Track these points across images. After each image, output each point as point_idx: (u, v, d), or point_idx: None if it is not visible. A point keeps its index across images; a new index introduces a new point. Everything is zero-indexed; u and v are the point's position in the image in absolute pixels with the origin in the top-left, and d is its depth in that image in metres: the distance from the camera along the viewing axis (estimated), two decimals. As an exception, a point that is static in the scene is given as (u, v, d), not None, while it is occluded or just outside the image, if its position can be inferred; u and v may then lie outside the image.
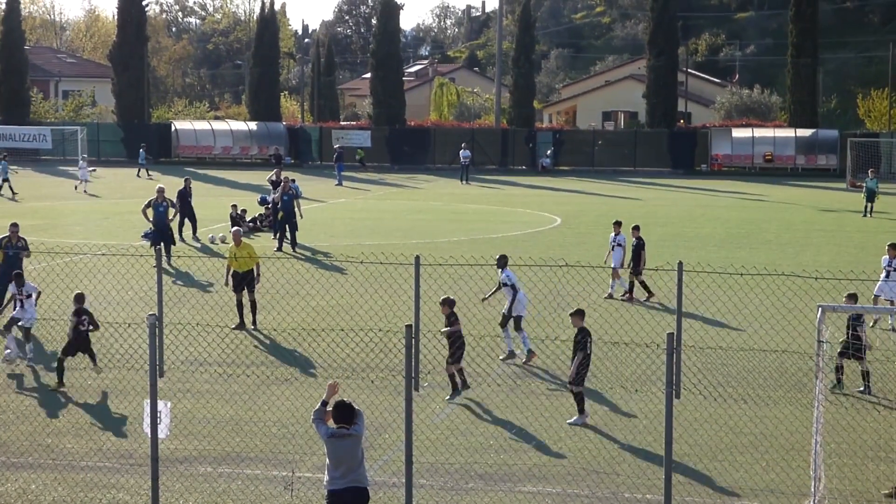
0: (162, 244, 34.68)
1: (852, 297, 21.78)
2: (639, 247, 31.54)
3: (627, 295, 31.10)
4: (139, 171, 79.13)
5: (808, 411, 17.75)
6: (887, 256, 27.61)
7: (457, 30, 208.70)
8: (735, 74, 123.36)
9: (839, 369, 21.74)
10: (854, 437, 18.63)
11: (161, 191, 37.21)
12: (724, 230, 48.78)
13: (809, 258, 38.95)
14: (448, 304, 21.15)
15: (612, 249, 31.88)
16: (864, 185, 57.13)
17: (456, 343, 20.97)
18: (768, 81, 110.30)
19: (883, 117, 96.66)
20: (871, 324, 26.83)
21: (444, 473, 17.13)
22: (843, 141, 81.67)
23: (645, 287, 31.02)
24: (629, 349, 19.68)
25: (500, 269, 24.42)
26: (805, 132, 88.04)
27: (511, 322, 23.99)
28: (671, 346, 14.01)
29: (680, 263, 21.23)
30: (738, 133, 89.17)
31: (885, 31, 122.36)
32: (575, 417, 19.43)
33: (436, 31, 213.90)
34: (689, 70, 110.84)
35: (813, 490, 15.46)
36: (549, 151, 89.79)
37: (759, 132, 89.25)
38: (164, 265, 31.41)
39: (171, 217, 37.19)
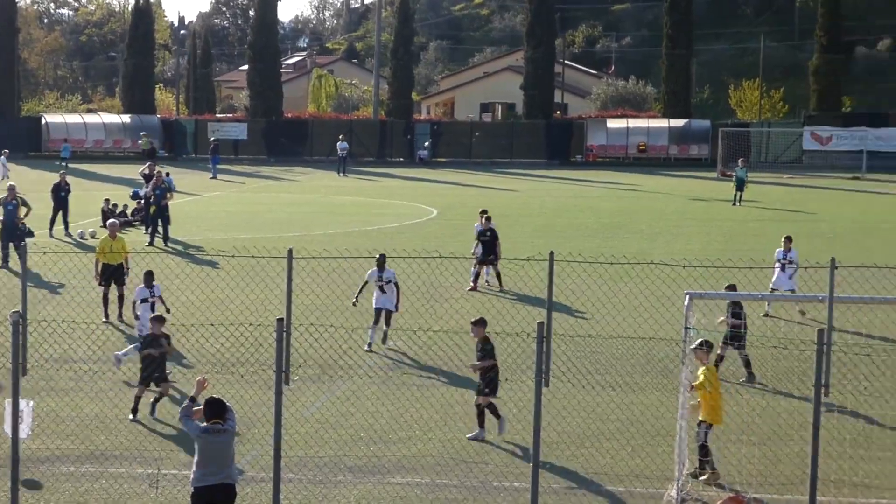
0: (11, 243, 33.94)
1: (731, 288, 22.17)
2: (493, 237, 32.07)
3: (472, 286, 31.55)
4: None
5: (674, 397, 18.04)
6: (781, 249, 28.17)
7: (336, 21, 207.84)
8: (611, 65, 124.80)
9: (720, 359, 22.19)
10: (728, 420, 18.95)
11: (12, 189, 36.29)
12: (597, 220, 49.32)
13: (680, 247, 39.55)
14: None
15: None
16: (734, 174, 58.23)
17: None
18: (643, 72, 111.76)
19: (754, 107, 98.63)
20: (763, 313, 27.42)
21: (314, 467, 17.07)
22: (715, 131, 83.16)
23: (499, 277, 31.49)
24: (499, 339, 19.75)
25: (378, 269, 24.62)
26: (678, 122, 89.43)
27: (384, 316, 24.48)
28: (541, 335, 14.15)
29: (551, 253, 21.43)
30: (612, 124, 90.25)
31: (758, 22, 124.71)
32: (477, 431, 18.69)
33: (314, 22, 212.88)
34: (567, 61, 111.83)
35: (677, 474, 15.73)
36: (426, 143, 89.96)
37: (634, 123, 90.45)
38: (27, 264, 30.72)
39: (21, 216, 36.10)
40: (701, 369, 16.69)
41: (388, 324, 24.66)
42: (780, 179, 72.58)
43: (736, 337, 21.86)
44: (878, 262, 26.55)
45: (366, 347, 24.14)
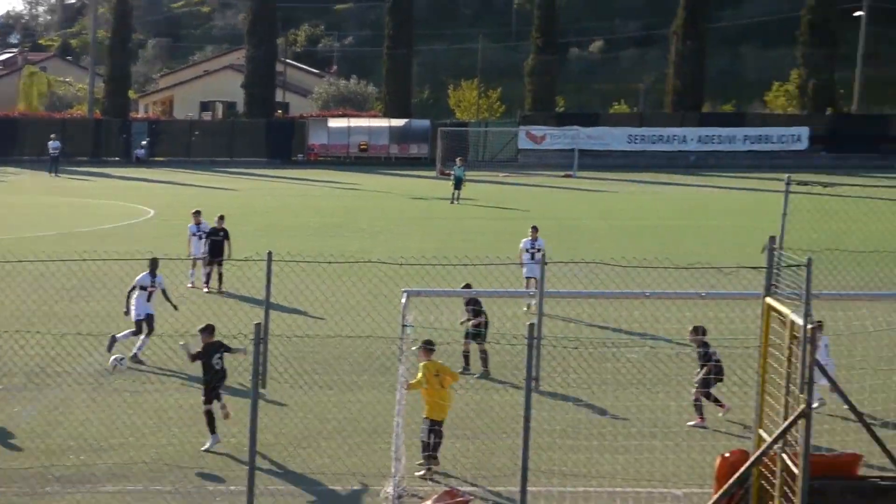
0: None
1: (468, 286, 22.92)
2: (225, 237, 31.78)
3: (206, 287, 31.18)
4: None
5: (392, 395, 18.14)
6: (528, 239, 29.14)
7: (49, 17, 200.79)
8: (333, 65, 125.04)
9: (466, 355, 22.49)
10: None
11: None
12: (319, 219, 49.30)
13: (400, 245, 39.87)
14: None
15: (200, 239, 31.94)
16: (453, 173, 59.23)
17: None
18: (365, 72, 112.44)
19: (472, 107, 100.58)
20: (526, 308, 27.92)
21: (20, 479, 16.39)
22: (435, 130, 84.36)
23: (220, 278, 31.28)
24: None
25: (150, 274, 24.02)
26: (399, 122, 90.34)
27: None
28: (258, 336, 13.98)
29: (269, 253, 21.20)
30: (334, 123, 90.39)
31: (477, 24, 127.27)
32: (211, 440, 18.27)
33: (27, 18, 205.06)
34: (288, 60, 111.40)
35: (394, 471, 15.82)
36: (143, 142, 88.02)
37: (355, 122, 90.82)
38: None
39: None
40: (420, 367, 16.87)
41: (151, 331, 23.71)
42: (496, 178, 74.26)
43: (476, 334, 22.25)
44: (586, 258, 27.41)
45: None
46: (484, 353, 22.70)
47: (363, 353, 23.60)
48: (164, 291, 24.11)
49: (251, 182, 71.16)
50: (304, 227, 46.10)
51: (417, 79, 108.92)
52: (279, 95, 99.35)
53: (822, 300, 16.78)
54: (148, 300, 23.68)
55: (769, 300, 14.39)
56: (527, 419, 13.94)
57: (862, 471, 14.58)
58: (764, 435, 14.21)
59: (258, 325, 14.14)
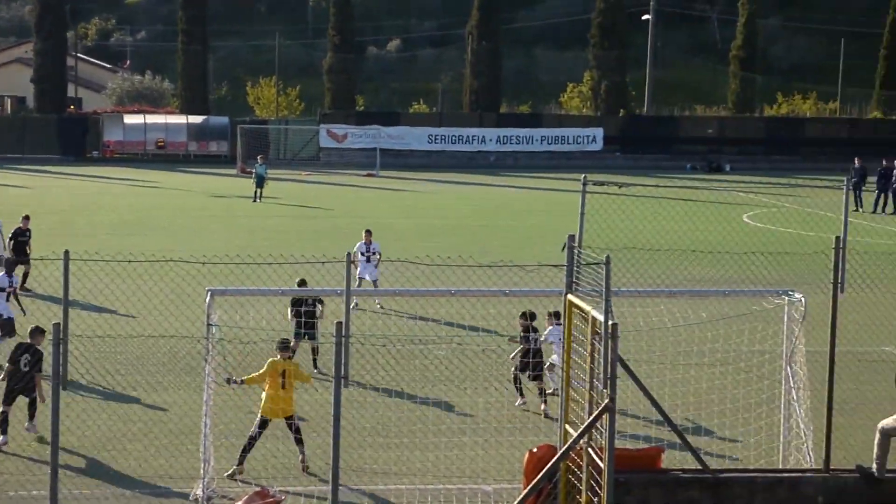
0: None
1: (302, 284, 23.41)
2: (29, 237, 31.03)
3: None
4: None
5: (199, 395, 17.92)
6: (363, 242, 29.83)
7: None
8: (127, 60, 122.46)
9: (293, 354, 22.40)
10: (241, 417, 19.06)
11: None
12: (117, 217, 48.30)
13: (202, 243, 39.36)
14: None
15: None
16: (254, 170, 58.77)
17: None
18: (160, 68, 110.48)
19: (271, 105, 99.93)
20: (354, 304, 27.86)
21: None
22: (234, 128, 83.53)
23: (24, 278, 30.44)
24: (14, 342, 18.94)
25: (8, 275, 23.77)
26: (197, 119, 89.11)
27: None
28: (57, 337, 13.66)
29: (66, 252, 20.65)
30: (130, 119, 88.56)
31: (272, 20, 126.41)
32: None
33: None
34: (79, 55, 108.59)
35: (203, 471, 15.64)
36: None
37: (152, 118, 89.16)
38: None
39: None
40: (267, 362, 17.06)
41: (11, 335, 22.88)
42: (298, 176, 73.95)
43: (310, 334, 22.47)
44: (391, 257, 27.60)
45: None
46: (315, 348, 22.75)
47: (168, 353, 23.26)
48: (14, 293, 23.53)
49: (44, 180, 69.16)
50: (102, 226, 45.09)
51: (214, 75, 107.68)
52: (71, 90, 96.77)
53: (621, 297, 17.25)
54: (7, 300, 23.10)
55: (571, 297, 14.72)
56: (336, 418, 13.96)
57: (664, 464, 15.07)
58: (570, 430, 14.54)
59: (56, 325, 13.80)
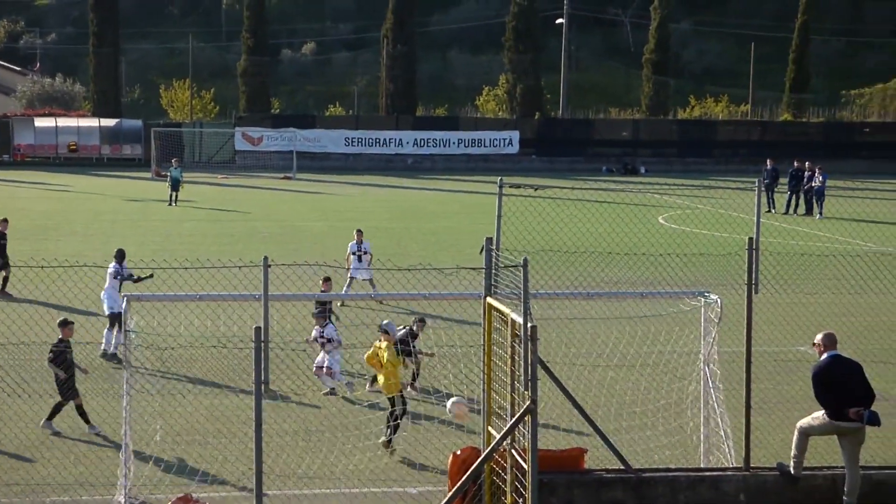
0: None
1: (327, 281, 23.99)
2: None
3: None
4: None
5: (118, 401, 17.75)
6: (354, 241, 30.52)
7: None
8: (37, 62, 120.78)
9: None
10: (161, 422, 18.91)
11: None
12: (29, 222, 47.58)
13: (116, 248, 38.89)
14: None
15: None
16: (169, 174, 58.28)
17: None
18: (71, 70, 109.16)
19: (185, 108, 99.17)
20: (340, 304, 28.18)
21: None
22: (148, 131, 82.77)
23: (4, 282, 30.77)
24: None
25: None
26: (109, 122, 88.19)
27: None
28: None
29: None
30: (41, 123, 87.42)
31: (185, 23, 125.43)
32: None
33: None
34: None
35: (123, 478, 15.47)
36: None
37: (63, 122, 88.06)
38: None
39: None
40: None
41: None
42: (214, 179, 73.44)
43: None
44: (309, 259, 27.54)
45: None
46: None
47: (85, 360, 22.93)
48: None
49: (-47, 183, 68.02)
50: (14, 231, 44.22)
51: (127, 78, 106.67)
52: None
53: (539, 299, 17.36)
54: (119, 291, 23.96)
55: (490, 300, 14.80)
56: (258, 423, 13.90)
57: (588, 464, 15.20)
58: (493, 431, 14.62)
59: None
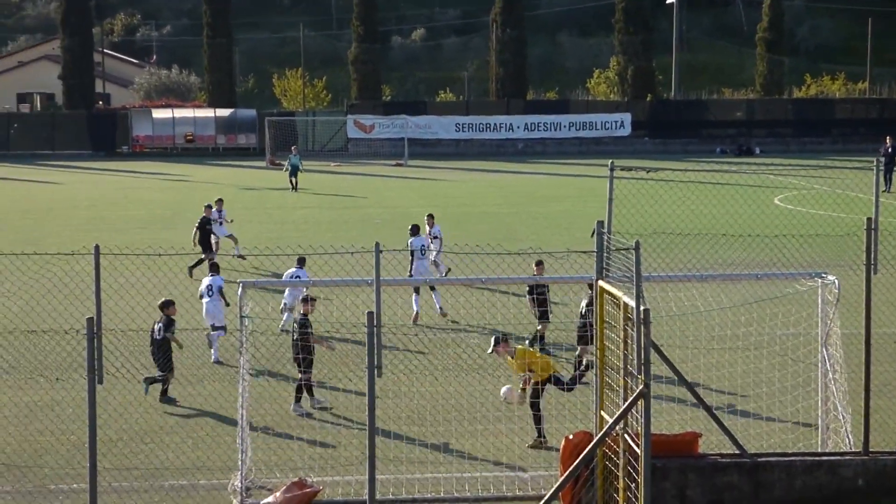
0: None
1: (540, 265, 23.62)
2: None
3: None
4: None
5: (234, 386, 17.99)
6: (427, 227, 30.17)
7: None
8: (153, 55, 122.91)
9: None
10: (277, 408, 19.14)
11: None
12: (148, 212, 48.50)
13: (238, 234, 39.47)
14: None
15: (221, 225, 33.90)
16: (289, 161, 59.02)
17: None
18: (186, 62, 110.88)
19: (298, 96, 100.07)
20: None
21: None
22: (262, 120, 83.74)
23: None
24: (47, 336, 19.05)
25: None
26: (224, 112, 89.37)
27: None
28: (91, 332, 13.69)
29: (96, 247, 20.73)
30: (158, 114, 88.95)
31: (295, 12, 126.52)
32: None
33: None
34: (106, 50, 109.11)
35: (240, 462, 15.70)
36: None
37: (180, 112, 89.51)
38: None
39: None
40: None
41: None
42: (327, 168, 74.07)
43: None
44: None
45: None
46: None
47: (203, 346, 23.33)
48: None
49: (75, 175, 69.55)
50: (134, 220, 45.28)
51: (240, 68, 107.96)
52: (99, 86, 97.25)
53: (652, 282, 17.20)
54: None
55: (602, 283, 14.68)
56: (371, 407, 13.99)
57: (701, 448, 15.03)
58: (605, 416, 14.52)
59: (90, 319, 13.85)
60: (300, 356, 18.92)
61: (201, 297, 23.52)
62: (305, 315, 19.30)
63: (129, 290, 27.35)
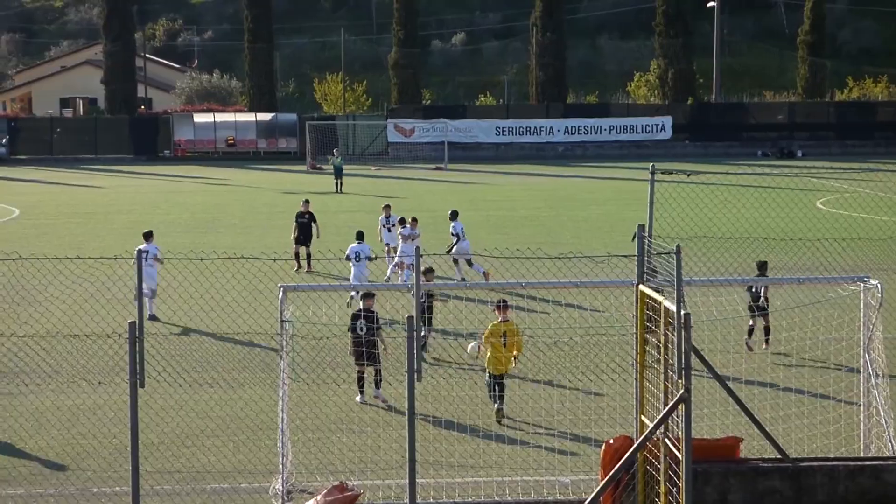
0: None
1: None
2: None
3: None
4: None
5: (275, 390, 18.07)
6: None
7: None
8: (194, 59, 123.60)
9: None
10: (317, 412, 19.19)
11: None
12: (189, 215, 48.76)
13: (273, 240, 39.67)
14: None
15: (389, 231, 34.91)
16: (333, 163, 59.32)
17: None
18: (227, 66, 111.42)
19: (338, 101, 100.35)
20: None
21: None
22: (302, 124, 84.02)
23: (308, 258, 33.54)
24: (90, 340, 19.17)
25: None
26: (265, 116, 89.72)
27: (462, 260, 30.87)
28: (133, 335, 13.77)
29: (139, 251, 20.89)
30: (199, 118, 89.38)
31: (336, 17, 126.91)
32: None
33: None
34: (148, 55, 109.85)
35: (281, 466, 15.76)
36: (3, 140, 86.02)
37: (221, 117, 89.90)
38: None
39: None
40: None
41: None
42: (368, 171, 74.20)
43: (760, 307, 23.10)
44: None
45: None
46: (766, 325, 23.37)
47: (243, 350, 23.46)
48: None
49: (118, 179, 70.02)
50: (175, 224, 45.52)
51: (281, 72, 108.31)
52: (141, 91, 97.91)
53: (693, 286, 17.14)
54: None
55: (642, 287, 14.62)
56: (411, 411, 14.01)
57: (742, 453, 14.95)
58: (646, 421, 14.47)
59: (132, 323, 13.94)
60: (364, 350, 19.84)
61: (347, 258, 27.28)
62: (370, 309, 20.11)
63: (172, 293, 27.54)
